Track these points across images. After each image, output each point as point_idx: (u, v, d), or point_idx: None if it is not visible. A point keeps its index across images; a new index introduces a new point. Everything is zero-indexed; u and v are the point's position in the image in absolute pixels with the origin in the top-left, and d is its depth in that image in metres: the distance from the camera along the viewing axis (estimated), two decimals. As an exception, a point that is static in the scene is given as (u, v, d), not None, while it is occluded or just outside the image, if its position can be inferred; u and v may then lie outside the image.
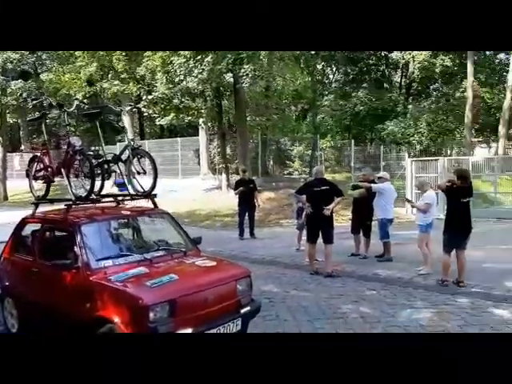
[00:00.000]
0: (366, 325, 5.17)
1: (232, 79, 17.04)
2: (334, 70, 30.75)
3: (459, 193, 6.52)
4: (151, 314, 3.63)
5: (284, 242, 10.55)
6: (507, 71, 25.09)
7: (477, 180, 14.28)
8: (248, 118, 19.48)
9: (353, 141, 20.11)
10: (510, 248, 9.23)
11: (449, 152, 24.78)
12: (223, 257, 6.64)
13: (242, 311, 4.30)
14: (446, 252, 6.58)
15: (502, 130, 23.97)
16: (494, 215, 13.89)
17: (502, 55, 27.12)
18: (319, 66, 28.47)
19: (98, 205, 5.20)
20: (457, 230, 6.51)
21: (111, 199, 5.36)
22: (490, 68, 26.69)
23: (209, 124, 20.63)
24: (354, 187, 8.94)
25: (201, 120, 19.54)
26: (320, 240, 7.59)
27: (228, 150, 21.25)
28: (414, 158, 16.68)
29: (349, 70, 28.80)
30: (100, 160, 5.19)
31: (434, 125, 23.80)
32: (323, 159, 22.43)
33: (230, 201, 14.56)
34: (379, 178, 8.70)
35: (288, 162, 24.04)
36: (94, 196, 4.98)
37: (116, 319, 3.70)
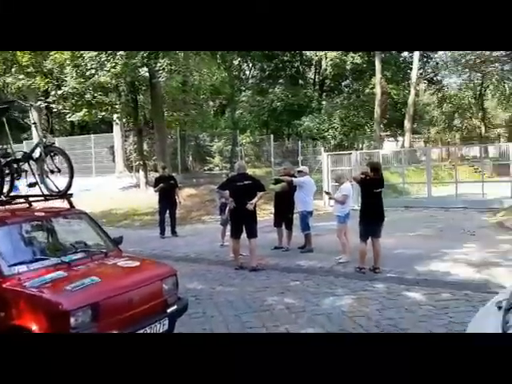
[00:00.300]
0: (292, 315, 5.30)
1: (148, 73, 16.62)
2: (251, 65, 31.14)
3: (372, 184, 6.90)
4: (72, 320, 3.44)
5: (207, 238, 10.50)
6: (411, 69, 26.96)
7: (386, 172, 15.20)
8: (165, 114, 19.11)
9: (272, 136, 20.52)
10: (417, 235, 9.98)
11: (360, 146, 26.13)
12: (145, 257, 6.46)
13: (169, 310, 4.21)
14: (362, 240, 6.93)
15: (407, 124, 25.78)
16: (402, 204, 14.91)
17: (405, 53, 29.03)
18: (236, 62, 28.66)
19: (8, 207, 4.82)
20: (371, 219, 6.89)
21: (23, 200, 4.99)
22: (395, 66, 28.49)
23: (124, 120, 19.93)
24: (276, 181, 9.10)
25: (115, 116, 18.84)
26: (244, 235, 7.65)
27: (145, 147, 20.73)
28: (330, 152, 17.38)
29: (265, 66, 29.33)
30: (8, 159, 4.82)
31: (347, 120, 25.01)
32: (243, 154, 22.63)
33: (149, 199, 14.23)
34: (299, 171, 8.95)
35: (208, 158, 23.93)
36: (3, 197, 4.61)
37: (34, 327, 3.46)
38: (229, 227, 8.15)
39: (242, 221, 7.56)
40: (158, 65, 14.90)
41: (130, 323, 3.78)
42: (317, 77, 30.35)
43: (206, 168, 23.57)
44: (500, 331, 2.21)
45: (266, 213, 12.28)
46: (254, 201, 7.46)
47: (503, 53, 31.33)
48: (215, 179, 15.99)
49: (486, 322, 2.61)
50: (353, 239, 7.51)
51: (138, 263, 4.49)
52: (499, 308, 2.51)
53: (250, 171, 9.98)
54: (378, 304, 5.55)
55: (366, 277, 6.72)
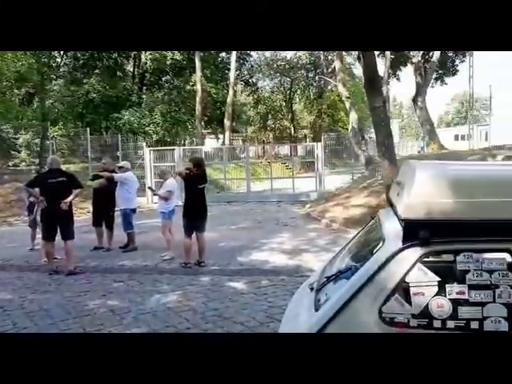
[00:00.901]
0: (116, 317, 5.05)
1: None
2: (62, 53, 28.68)
3: (196, 180, 6.98)
4: None
5: (15, 242, 9.49)
6: (229, 69, 28.21)
7: (209, 168, 15.63)
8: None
9: (88, 129, 19.21)
10: (239, 227, 10.53)
11: (183, 142, 26.38)
12: None
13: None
14: (187, 236, 6.99)
15: (227, 122, 26.94)
16: (224, 199, 15.56)
17: (223, 54, 30.18)
18: (45, 48, 26.11)
19: None
20: (195, 214, 6.99)
21: None
22: (214, 65, 29.44)
23: None
24: (94, 177, 8.57)
25: None
26: (58, 236, 7.01)
27: None
28: (152, 148, 17.10)
29: (78, 55, 27.37)
30: None
31: (168, 116, 24.95)
32: (55, 148, 20.73)
33: None
34: (120, 167, 8.57)
35: (13, 152, 21.28)
36: None
37: None
38: (40, 229, 7.38)
39: (55, 221, 6.91)
40: None
41: None
42: (136, 70, 29.56)
43: (10, 163, 20.95)
44: (313, 310, 2.40)
45: (83, 212, 11.54)
46: (68, 199, 6.88)
47: (308, 60, 35.15)
48: (22, 176, 14.52)
49: (302, 302, 2.82)
50: (178, 235, 7.50)
51: None
52: (311, 289, 2.73)
53: (63, 167, 9.18)
54: (203, 297, 5.65)
55: (192, 271, 6.81)
